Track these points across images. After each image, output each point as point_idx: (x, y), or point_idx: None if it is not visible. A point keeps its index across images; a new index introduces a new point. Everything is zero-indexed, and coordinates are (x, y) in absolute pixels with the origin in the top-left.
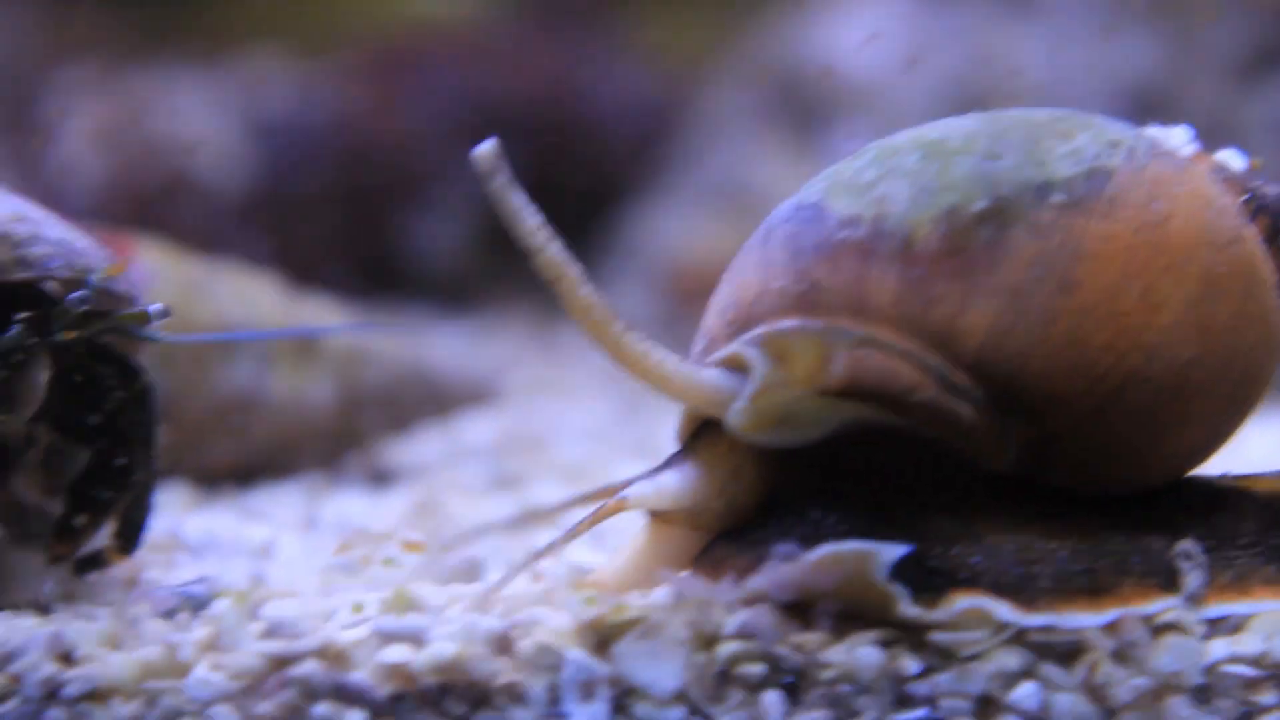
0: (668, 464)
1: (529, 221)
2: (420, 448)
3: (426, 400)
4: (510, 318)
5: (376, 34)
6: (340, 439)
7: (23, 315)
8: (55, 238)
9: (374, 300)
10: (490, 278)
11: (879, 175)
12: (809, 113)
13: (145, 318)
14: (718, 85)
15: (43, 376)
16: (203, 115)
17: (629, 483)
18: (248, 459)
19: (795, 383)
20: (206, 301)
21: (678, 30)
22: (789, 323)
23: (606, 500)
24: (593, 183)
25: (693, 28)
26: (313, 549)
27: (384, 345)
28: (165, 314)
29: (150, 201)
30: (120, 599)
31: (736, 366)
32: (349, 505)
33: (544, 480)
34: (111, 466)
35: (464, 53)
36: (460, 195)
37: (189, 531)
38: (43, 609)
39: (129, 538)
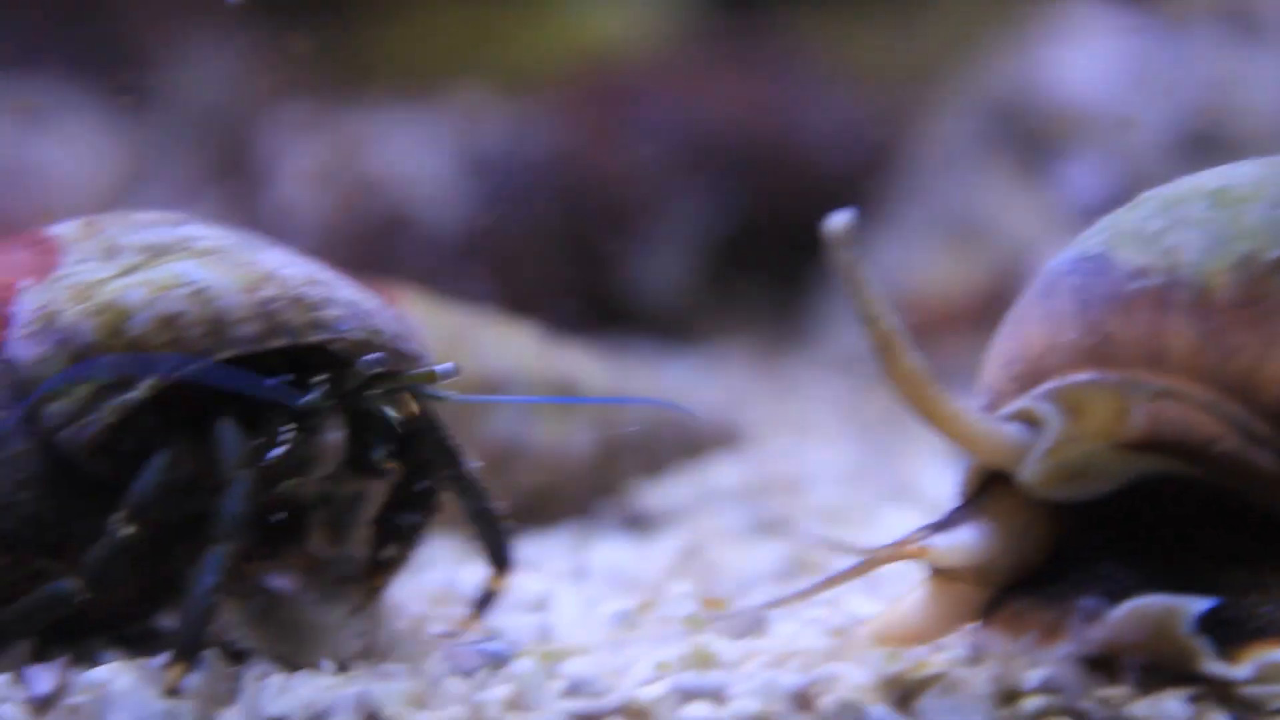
0: (958, 518)
1: (870, 293)
2: (672, 492)
3: (679, 445)
4: (733, 352)
5: (563, 61)
6: (596, 485)
7: (320, 379)
8: (346, 299)
9: (594, 336)
10: (710, 312)
11: (1166, 225)
12: (1034, 142)
13: (434, 377)
14: (937, 113)
15: (337, 437)
16: (417, 153)
17: (914, 536)
18: (511, 508)
19: (1091, 437)
20: (469, 352)
21: (879, 50)
22: (1083, 376)
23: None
24: (807, 213)
25: (895, 47)
26: (589, 600)
27: (638, 390)
28: (454, 373)
29: (369, 241)
30: (418, 656)
31: (1028, 421)
32: (614, 553)
33: (805, 525)
34: (413, 492)
35: (670, 82)
36: (679, 228)
37: (465, 583)
38: (342, 667)
39: (501, 559)
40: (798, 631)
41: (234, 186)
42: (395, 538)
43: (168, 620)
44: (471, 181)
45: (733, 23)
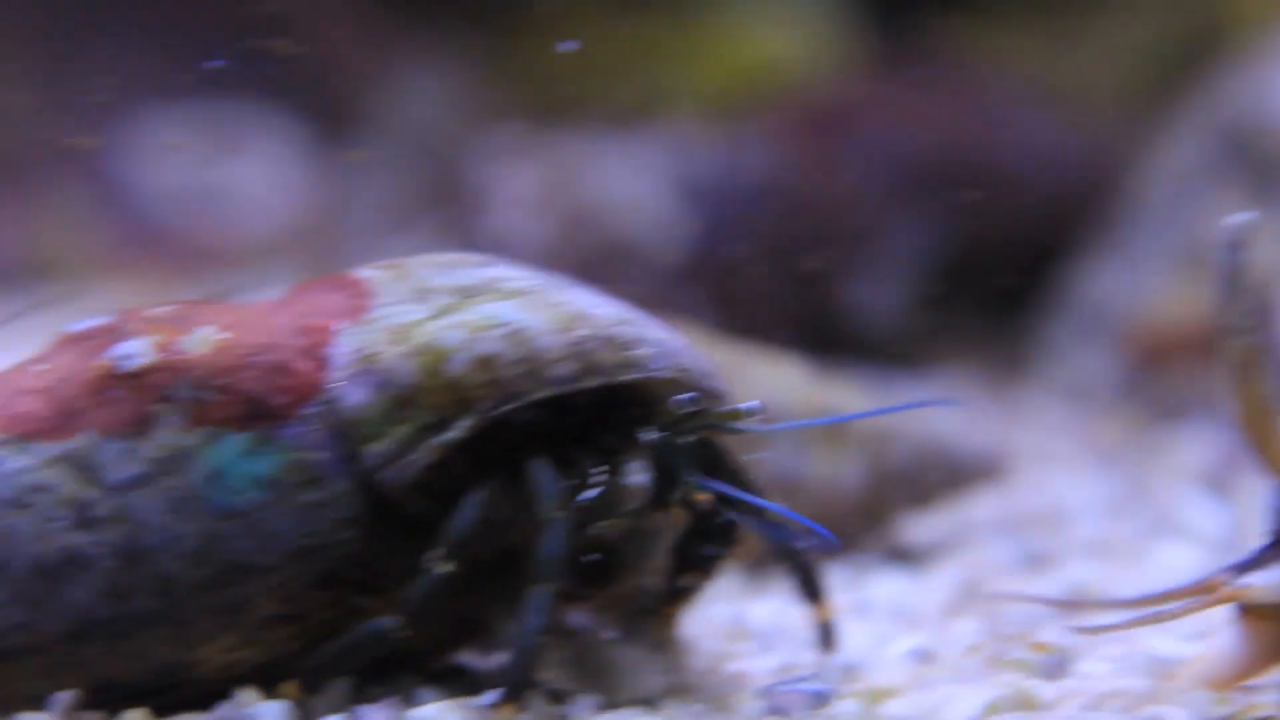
0: (1269, 556)
1: (1244, 303)
2: (932, 524)
3: (945, 477)
4: (956, 378)
5: (732, 81)
6: (864, 518)
7: (631, 416)
8: (655, 338)
9: (815, 363)
10: (931, 337)
11: None
12: (1268, 168)
13: (740, 414)
14: (1159, 135)
15: (644, 477)
16: (634, 179)
17: (1222, 576)
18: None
19: None
20: (740, 386)
21: (1050, 63)
22: None
23: (1211, 592)
24: (1025, 235)
25: (1071, 61)
26: (879, 636)
27: (905, 423)
28: (759, 410)
29: (590, 268)
30: (726, 694)
31: None
32: (891, 588)
33: (1076, 559)
34: (714, 525)
35: (875, 105)
36: (896, 253)
37: (752, 618)
38: (650, 704)
39: (814, 591)
40: (1106, 671)
41: (448, 213)
42: (693, 568)
43: (466, 657)
44: (688, 208)
45: (894, 39)
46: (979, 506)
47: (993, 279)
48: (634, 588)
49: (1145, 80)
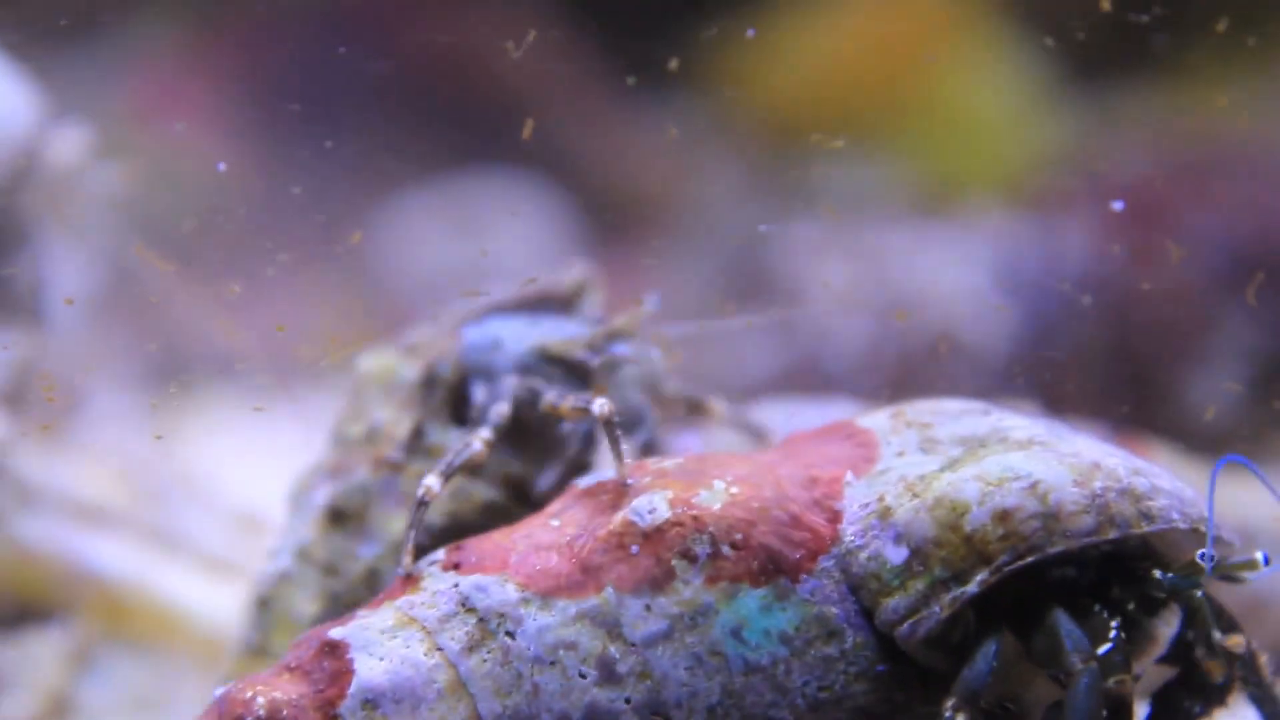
0: None
1: None
2: None
3: None
4: None
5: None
6: None
7: (1165, 571)
8: (1168, 488)
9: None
10: (1270, 431)
11: None
12: None
13: (1256, 566)
14: None
15: (1166, 628)
16: (951, 271)
17: None
18: None
19: None
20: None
21: None
22: None
23: None
24: None
25: None
26: None
27: None
28: (1267, 563)
29: (914, 363)
30: None
31: None
32: None
33: None
34: (1208, 683)
35: (1192, 193)
36: (1230, 348)
37: None
38: None
39: None
40: None
41: (760, 307)
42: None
43: None
44: (1008, 301)
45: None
46: None
47: None
48: None
49: None
